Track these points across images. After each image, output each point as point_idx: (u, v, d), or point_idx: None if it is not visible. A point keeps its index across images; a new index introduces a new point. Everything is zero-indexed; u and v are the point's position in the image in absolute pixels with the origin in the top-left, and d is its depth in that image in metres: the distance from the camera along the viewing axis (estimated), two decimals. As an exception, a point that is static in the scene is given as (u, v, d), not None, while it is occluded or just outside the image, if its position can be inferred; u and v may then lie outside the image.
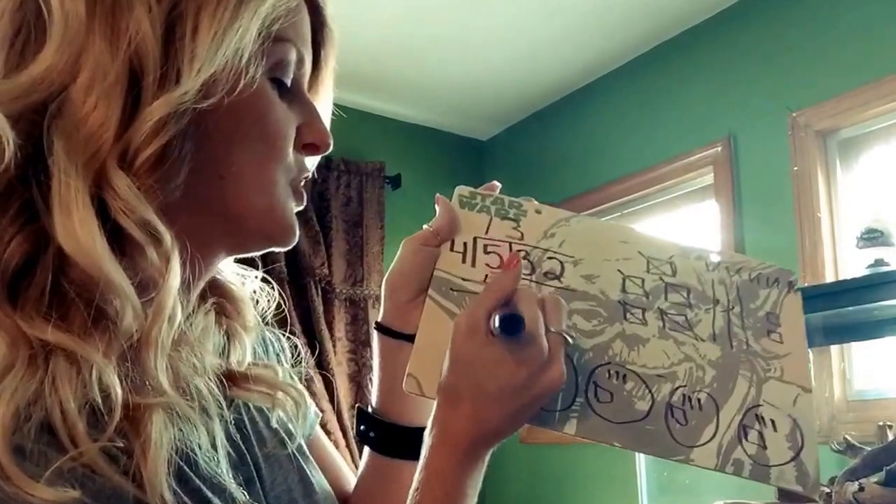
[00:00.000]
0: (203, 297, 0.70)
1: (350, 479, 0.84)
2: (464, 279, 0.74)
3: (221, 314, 0.72)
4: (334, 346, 3.35)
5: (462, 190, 0.80)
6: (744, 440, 0.69)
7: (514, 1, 2.90)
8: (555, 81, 3.50)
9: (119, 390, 0.51)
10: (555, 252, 0.77)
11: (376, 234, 3.55)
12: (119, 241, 0.55)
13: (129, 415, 0.52)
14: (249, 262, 0.76)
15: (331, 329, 3.36)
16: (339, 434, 3.19)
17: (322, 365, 3.26)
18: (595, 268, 0.76)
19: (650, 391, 0.70)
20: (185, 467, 0.56)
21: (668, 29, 3.08)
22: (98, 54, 0.55)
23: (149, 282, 0.56)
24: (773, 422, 0.70)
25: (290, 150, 0.67)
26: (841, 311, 2.05)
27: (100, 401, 0.50)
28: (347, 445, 3.22)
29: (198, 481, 0.57)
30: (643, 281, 0.76)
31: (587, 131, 3.50)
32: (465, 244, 0.76)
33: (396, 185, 3.70)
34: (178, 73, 0.56)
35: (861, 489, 1.77)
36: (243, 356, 0.72)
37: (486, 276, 0.74)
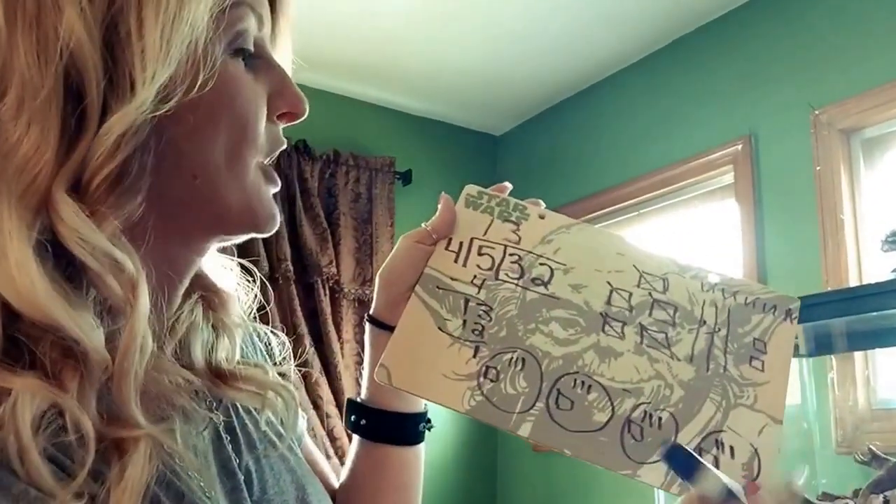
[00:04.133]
0: (188, 292, 0.68)
1: (333, 477, 0.85)
2: (452, 278, 0.76)
3: (208, 308, 0.70)
4: (342, 347, 3.28)
5: (470, 189, 0.82)
6: None
7: (528, -6, 2.85)
8: (571, 76, 3.45)
9: (89, 428, 0.47)
10: (547, 258, 0.78)
11: (386, 232, 3.48)
12: (80, 271, 0.50)
13: (104, 448, 0.49)
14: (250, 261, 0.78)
15: (338, 330, 3.29)
16: (345, 439, 3.13)
17: (329, 368, 3.20)
18: (584, 277, 0.77)
19: (612, 404, 0.70)
20: (173, 478, 0.54)
21: (687, 24, 3.02)
22: (23, 69, 0.48)
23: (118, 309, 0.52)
24: (731, 448, 0.69)
25: (263, 127, 0.63)
26: (865, 316, 2.01)
27: (73, 439, 0.47)
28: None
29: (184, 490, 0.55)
30: (630, 295, 0.77)
31: (603, 128, 3.44)
32: (460, 244, 0.78)
33: (407, 180, 3.64)
34: (130, 79, 0.51)
35: (887, 502, 1.72)
36: (232, 352, 0.71)
37: (475, 276, 0.76)
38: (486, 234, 0.79)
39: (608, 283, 0.77)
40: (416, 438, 0.81)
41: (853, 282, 2.38)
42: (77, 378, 0.48)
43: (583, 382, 0.71)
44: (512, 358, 0.72)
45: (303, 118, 0.65)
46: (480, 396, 0.70)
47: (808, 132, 2.56)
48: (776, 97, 2.71)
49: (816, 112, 2.53)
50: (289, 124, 0.67)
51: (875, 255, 2.29)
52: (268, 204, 0.64)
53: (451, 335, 0.73)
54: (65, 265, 0.50)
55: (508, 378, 0.71)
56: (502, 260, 0.77)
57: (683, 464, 0.64)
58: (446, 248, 0.77)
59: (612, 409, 0.70)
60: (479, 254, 0.77)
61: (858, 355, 2.35)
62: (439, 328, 0.73)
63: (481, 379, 0.71)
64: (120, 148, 0.50)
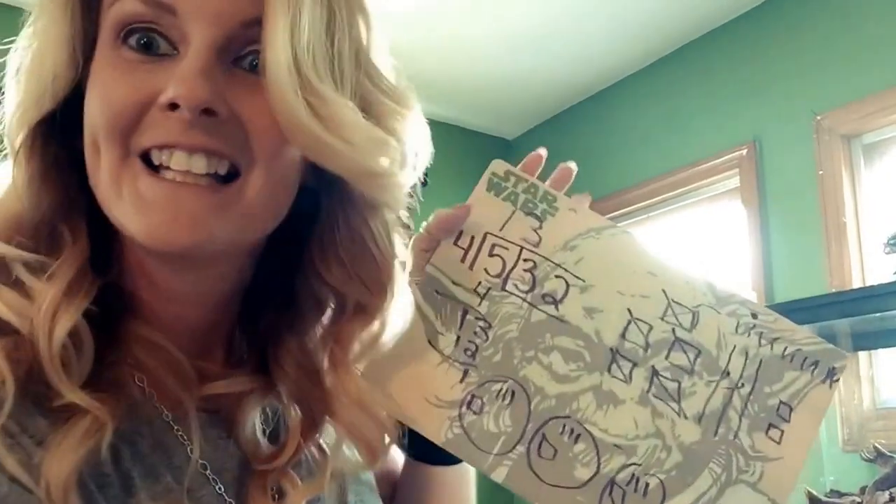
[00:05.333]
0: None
1: None
2: (454, 282, 0.67)
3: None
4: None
5: (497, 166, 0.71)
6: None
7: (543, 1, 2.89)
8: (581, 82, 3.49)
9: (6, 373, 0.50)
10: (565, 270, 0.68)
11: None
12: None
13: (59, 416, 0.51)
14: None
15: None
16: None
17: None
18: (603, 300, 0.67)
19: (599, 460, 0.63)
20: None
21: (693, 31, 3.07)
22: None
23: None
24: None
25: (135, 127, 0.54)
26: (868, 317, 2.04)
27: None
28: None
29: None
30: (650, 329, 0.67)
31: (612, 132, 3.49)
32: (471, 239, 0.68)
33: (423, 183, 3.66)
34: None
35: (892, 499, 1.75)
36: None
37: (480, 283, 0.67)
38: (502, 228, 0.68)
39: (628, 310, 0.67)
40: (450, 458, 0.69)
41: (856, 283, 2.43)
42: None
43: (572, 430, 0.63)
44: (501, 389, 0.64)
45: (189, 103, 0.52)
46: (459, 429, 0.64)
47: (811, 137, 2.61)
48: (780, 103, 2.76)
49: (819, 117, 2.58)
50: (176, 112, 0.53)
51: (877, 256, 2.34)
52: (144, 210, 0.53)
53: (442, 353, 0.65)
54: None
55: (493, 412, 0.64)
56: (515, 265, 0.68)
57: None
58: (455, 243, 0.68)
59: (598, 466, 0.63)
60: (491, 254, 0.68)
61: (862, 355, 2.40)
62: (430, 342, 0.65)
63: (463, 409, 0.64)
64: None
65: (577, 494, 0.62)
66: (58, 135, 0.57)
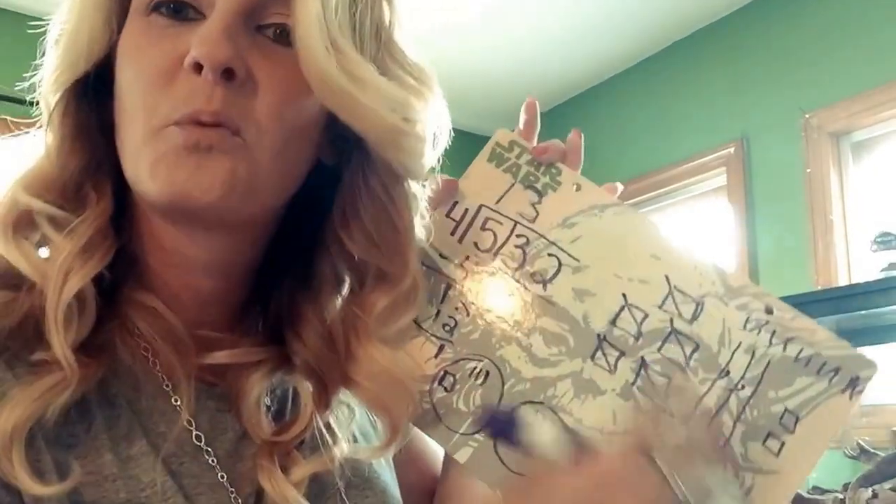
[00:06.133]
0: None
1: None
2: (441, 255, 0.64)
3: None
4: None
5: (502, 136, 0.68)
6: None
7: (525, 1, 2.89)
8: (567, 81, 3.50)
9: None
10: (560, 249, 0.63)
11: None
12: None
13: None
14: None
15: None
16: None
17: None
18: (596, 282, 0.62)
19: None
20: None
21: (681, 29, 3.07)
22: None
23: None
24: None
25: (161, 87, 0.55)
26: (854, 314, 2.05)
27: None
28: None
29: None
30: (645, 317, 0.61)
31: (600, 130, 3.49)
32: (465, 211, 0.65)
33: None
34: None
35: (875, 495, 1.76)
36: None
37: (467, 257, 0.64)
38: (499, 201, 0.65)
39: (623, 295, 0.61)
40: None
41: (842, 281, 2.44)
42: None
43: (544, 417, 0.59)
44: (475, 368, 0.61)
45: (211, 62, 0.53)
46: (428, 405, 0.61)
47: (799, 135, 2.62)
48: (768, 101, 2.77)
49: (807, 116, 2.59)
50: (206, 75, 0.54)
51: (864, 254, 2.34)
52: (164, 171, 0.54)
53: (420, 326, 0.62)
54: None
55: (464, 391, 0.61)
56: (506, 240, 0.64)
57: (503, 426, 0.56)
58: (447, 215, 0.65)
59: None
60: (483, 228, 0.64)
61: (848, 353, 2.40)
62: None
63: (434, 385, 0.61)
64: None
65: None
66: (90, 99, 0.59)
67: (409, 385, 0.61)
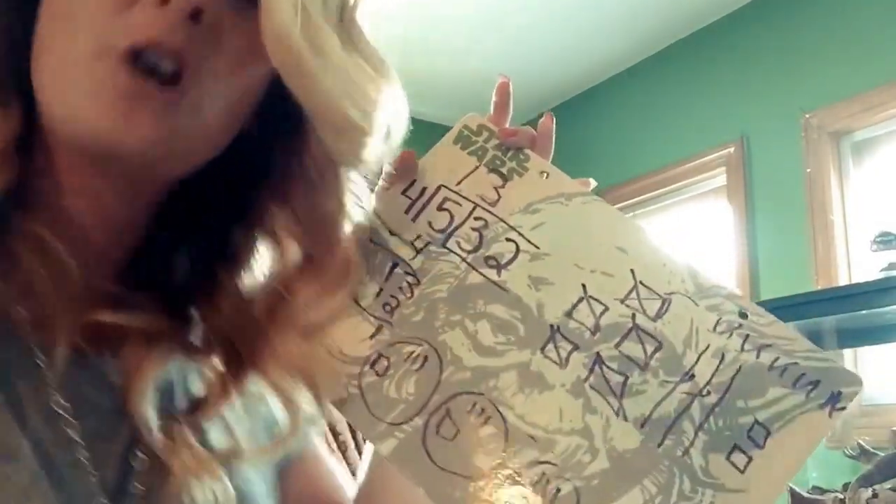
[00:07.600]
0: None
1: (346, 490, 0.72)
2: (392, 232, 0.60)
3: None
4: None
5: (470, 120, 0.65)
6: None
7: (525, 1, 2.89)
8: (565, 81, 3.50)
9: None
10: (519, 234, 0.59)
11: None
12: None
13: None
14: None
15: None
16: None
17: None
18: (554, 271, 0.58)
19: (504, 450, 0.52)
20: None
21: (681, 29, 3.08)
22: None
23: None
24: None
25: (125, 10, 0.49)
26: (854, 314, 2.05)
27: None
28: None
29: None
30: (605, 311, 0.56)
31: (599, 131, 3.49)
32: (423, 190, 0.61)
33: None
34: None
35: (875, 495, 1.76)
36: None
37: (419, 236, 0.59)
38: (460, 183, 0.61)
39: (583, 286, 0.57)
40: None
41: (842, 281, 2.43)
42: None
43: (482, 410, 0.53)
44: (413, 353, 0.56)
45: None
46: (355, 389, 0.55)
47: (799, 135, 2.61)
48: (768, 101, 2.76)
49: (807, 115, 2.59)
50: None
51: (864, 254, 2.34)
52: (98, 105, 0.48)
53: (359, 304, 0.58)
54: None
55: (398, 377, 0.55)
56: (463, 223, 0.60)
57: None
58: (403, 192, 0.61)
59: (503, 456, 0.52)
60: (440, 208, 0.61)
61: (848, 352, 2.40)
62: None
63: (366, 367, 0.56)
64: None
65: (468, 485, 0.51)
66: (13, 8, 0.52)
67: (334, 365, 0.56)
